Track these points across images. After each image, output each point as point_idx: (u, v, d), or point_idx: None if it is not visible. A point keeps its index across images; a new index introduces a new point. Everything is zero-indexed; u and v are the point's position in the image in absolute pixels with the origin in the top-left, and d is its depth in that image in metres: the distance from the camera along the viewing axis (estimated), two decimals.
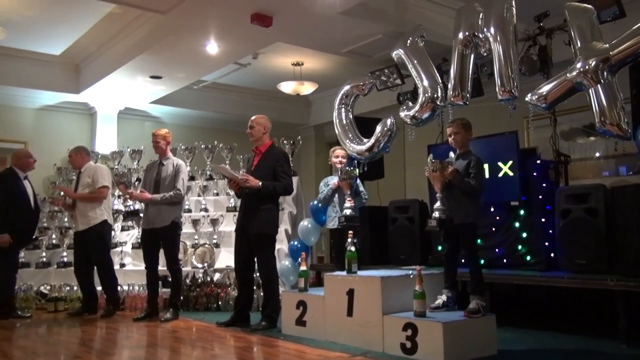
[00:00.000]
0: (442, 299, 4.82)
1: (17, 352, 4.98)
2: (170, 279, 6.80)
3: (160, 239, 6.64)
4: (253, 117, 6.34)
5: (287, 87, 9.08)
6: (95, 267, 7.13)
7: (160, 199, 6.56)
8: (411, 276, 4.80)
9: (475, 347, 4.45)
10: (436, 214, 4.88)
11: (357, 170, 6.08)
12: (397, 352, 4.52)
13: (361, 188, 6.26)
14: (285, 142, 8.49)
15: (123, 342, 5.64)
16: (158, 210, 6.59)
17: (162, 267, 6.82)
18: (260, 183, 5.89)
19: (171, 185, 6.67)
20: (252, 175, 5.98)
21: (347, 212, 5.86)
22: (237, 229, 6.23)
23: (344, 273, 5.26)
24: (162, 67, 8.26)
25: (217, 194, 8.75)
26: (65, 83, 9.35)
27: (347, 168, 6.12)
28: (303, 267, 5.82)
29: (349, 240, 5.33)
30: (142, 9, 6.89)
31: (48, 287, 7.91)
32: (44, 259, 8.33)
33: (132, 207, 6.61)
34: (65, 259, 8.20)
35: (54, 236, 8.59)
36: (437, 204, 4.91)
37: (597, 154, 8.09)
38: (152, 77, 8.65)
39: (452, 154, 5.09)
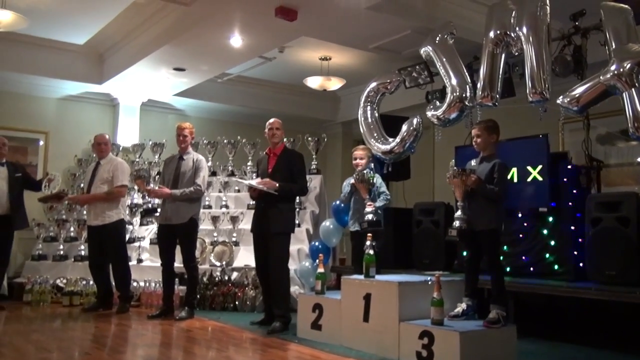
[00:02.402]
0: (462, 307, 4.83)
1: (29, 347, 5.10)
2: (186, 277, 6.88)
3: (177, 235, 6.73)
4: (273, 120, 6.50)
5: (314, 82, 9.11)
6: (110, 263, 7.25)
7: (180, 194, 6.63)
8: (430, 283, 4.82)
9: (493, 359, 4.46)
10: (457, 224, 4.88)
11: (373, 177, 6.07)
12: None
13: (383, 189, 6.26)
14: (309, 139, 8.53)
15: (135, 340, 5.74)
16: (176, 206, 6.66)
17: (178, 264, 6.91)
18: (277, 185, 6.06)
19: (191, 180, 6.74)
20: (270, 176, 6.16)
21: (369, 216, 5.86)
22: (254, 229, 6.34)
23: (362, 277, 5.29)
24: (186, 59, 8.34)
25: (239, 191, 8.82)
26: (88, 73, 9.48)
27: (365, 171, 6.12)
28: (320, 269, 5.86)
29: (368, 243, 5.36)
30: (165, 0, 6.97)
31: (64, 281, 8.06)
32: (61, 252, 8.52)
33: (150, 205, 6.69)
34: (83, 253, 8.36)
35: (72, 229, 8.76)
36: (458, 213, 4.91)
37: (639, 159, 7.96)
38: (176, 69, 8.75)
39: (473, 162, 5.07)
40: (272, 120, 6.50)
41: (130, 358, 4.97)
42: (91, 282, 7.69)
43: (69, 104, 9.97)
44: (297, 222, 7.32)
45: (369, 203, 5.93)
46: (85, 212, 8.81)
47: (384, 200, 6.15)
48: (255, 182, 6.23)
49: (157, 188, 6.83)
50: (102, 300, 7.28)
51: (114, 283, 7.32)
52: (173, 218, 6.66)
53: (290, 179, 6.20)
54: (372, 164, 6.40)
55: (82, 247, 8.42)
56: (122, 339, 5.75)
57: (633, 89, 4.66)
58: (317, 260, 6.02)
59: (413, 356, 4.54)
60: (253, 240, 6.40)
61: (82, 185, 8.58)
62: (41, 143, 9.63)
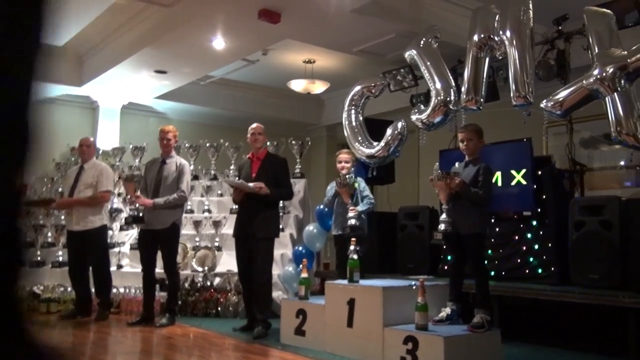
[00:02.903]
0: (446, 311, 4.87)
1: None
2: (167, 283, 6.88)
3: (158, 241, 6.72)
4: (255, 126, 6.51)
5: (298, 85, 9.17)
6: (90, 269, 7.20)
7: (164, 202, 6.62)
8: (414, 287, 4.87)
9: None
10: (442, 227, 4.92)
11: (356, 181, 6.12)
12: None
13: (367, 192, 6.31)
14: (293, 142, 8.57)
15: (115, 347, 5.73)
16: (158, 212, 6.64)
17: (159, 269, 6.91)
18: (268, 191, 6.10)
19: (173, 185, 6.73)
20: (254, 181, 6.16)
21: (352, 221, 5.91)
22: (236, 233, 6.37)
23: (346, 282, 5.33)
24: (168, 61, 8.37)
25: (222, 195, 8.83)
26: (67, 75, 9.45)
27: (347, 176, 6.17)
28: (304, 274, 5.89)
29: (352, 248, 5.39)
30: (145, 1, 6.99)
31: (41, 288, 7.95)
32: (39, 258, 8.41)
33: (136, 212, 6.61)
34: (61, 259, 8.30)
35: (49, 234, 8.68)
36: (443, 216, 4.95)
37: (622, 163, 8.07)
38: (157, 71, 8.78)
39: (457, 164, 5.11)
40: (254, 125, 6.52)
41: None
42: (69, 289, 7.63)
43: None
44: (281, 226, 7.35)
45: (351, 208, 5.97)
46: (63, 217, 8.79)
47: (368, 204, 6.19)
48: (251, 184, 6.20)
49: (143, 198, 6.73)
50: (80, 307, 7.19)
51: (93, 289, 7.26)
52: (155, 223, 6.65)
53: (275, 183, 6.22)
54: (355, 168, 6.44)
55: (60, 252, 8.36)
56: (102, 347, 5.72)
57: (615, 93, 4.77)
58: (301, 265, 6.06)
59: None
60: (235, 244, 6.43)
61: (60, 189, 8.52)
62: None
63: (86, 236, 7.09)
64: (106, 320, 6.95)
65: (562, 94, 5.19)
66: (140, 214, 6.62)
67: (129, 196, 6.78)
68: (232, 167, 8.94)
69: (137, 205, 6.66)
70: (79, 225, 7.12)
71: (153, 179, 6.81)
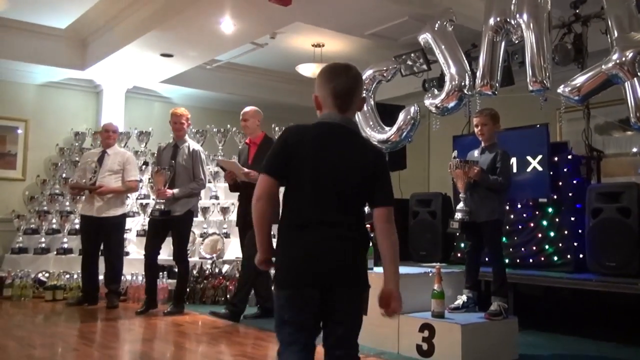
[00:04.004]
0: (462, 299, 4.95)
1: (12, 343, 5.14)
2: (177, 271, 6.94)
3: (171, 227, 6.74)
4: (245, 110, 6.51)
5: (307, 69, 9.18)
6: (103, 257, 7.25)
7: (183, 193, 6.65)
8: (430, 274, 4.94)
9: (495, 351, 4.59)
10: (458, 216, 4.97)
11: None
12: (412, 354, 4.68)
13: None
14: None
15: (124, 335, 5.81)
16: (173, 198, 6.66)
17: (168, 256, 6.97)
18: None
19: (187, 172, 6.74)
20: (250, 167, 6.12)
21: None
22: (239, 223, 6.46)
23: None
24: (174, 44, 8.36)
25: None
26: (70, 58, 9.46)
27: None
28: None
29: None
30: None
31: (46, 275, 8.05)
32: (43, 245, 8.47)
33: (163, 206, 6.51)
34: (66, 245, 8.37)
35: (54, 221, 8.72)
36: (460, 205, 4.99)
37: (635, 149, 8.11)
38: (163, 55, 8.77)
39: (475, 153, 5.14)
40: (244, 110, 6.53)
41: (120, 354, 5.03)
42: (75, 276, 7.73)
43: (50, 90, 9.96)
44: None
45: None
46: (68, 204, 8.86)
47: None
48: (245, 169, 6.17)
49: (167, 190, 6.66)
50: (88, 295, 7.26)
51: (102, 277, 7.30)
52: (170, 209, 6.65)
53: None
54: None
55: (65, 239, 8.43)
56: (111, 335, 5.79)
57: (635, 78, 4.80)
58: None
59: (413, 349, 4.67)
60: (239, 234, 6.51)
61: (77, 174, 8.25)
62: (20, 131, 9.59)
63: (106, 223, 7.12)
64: (117, 308, 7.03)
65: (580, 79, 5.23)
66: (167, 208, 6.61)
67: (157, 189, 6.69)
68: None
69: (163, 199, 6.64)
70: (101, 212, 7.13)
71: (167, 164, 6.80)
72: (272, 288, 2.77)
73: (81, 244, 7.45)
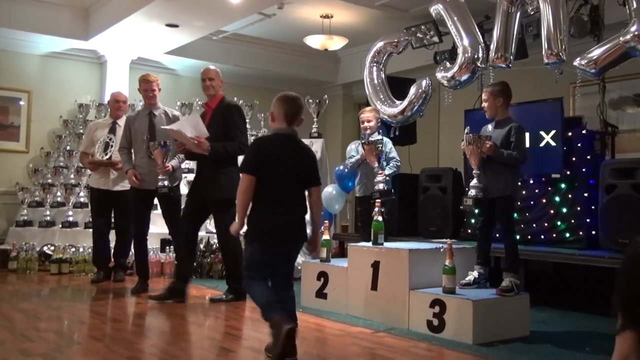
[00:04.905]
0: (473, 275, 4.97)
1: (19, 315, 5.19)
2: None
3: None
4: (207, 69, 6.13)
5: (315, 41, 9.14)
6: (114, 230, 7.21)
7: (177, 165, 6.39)
8: (441, 250, 4.95)
9: (506, 328, 4.62)
10: (472, 192, 4.96)
11: (381, 145, 5.99)
12: (423, 330, 4.71)
13: (393, 154, 6.30)
14: (310, 101, 8.60)
15: (133, 309, 5.85)
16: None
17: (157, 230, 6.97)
18: (208, 147, 5.71)
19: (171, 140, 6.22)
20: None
21: (380, 186, 5.90)
22: (190, 193, 6.13)
23: (370, 244, 5.41)
24: (180, 14, 8.32)
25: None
26: (73, 28, 9.41)
27: (375, 138, 6.13)
28: (326, 236, 5.97)
29: (376, 209, 5.44)
30: None
31: (52, 248, 8.11)
32: (48, 218, 8.53)
33: (166, 182, 6.26)
34: (71, 219, 8.42)
35: (58, 193, 8.77)
36: (474, 181, 4.98)
37: None
38: (168, 25, 8.73)
39: (489, 127, 5.12)
40: (206, 68, 6.15)
41: (129, 327, 5.08)
42: (81, 250, 7.76)
43: (52, 61, 9.94)
44: None
45: (380, 172, 5.95)
46: (72, 176, 8.87)
47: (395, 167, 6.22)
48: (189, 132, 5.69)
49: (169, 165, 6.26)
50: (106, 269, 7.17)
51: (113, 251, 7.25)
52: (153, 184, 6.29)
53: (225, 136, 5.81)
54: (380, 129, 6.43)
55: (70, 212, 8.47)
56: (118, 308, 5.85)
57: None
58: (322, 227, 6.11)
59: (424, 325, 4.70)
60: (186, 202, 6.17)
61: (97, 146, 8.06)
62: (22, 102, 9.58)
63: (120, 197, 7.04)
64: (123, 281, 7.07)
65: (597, 51, 5.22)
66: (169, 183, 6.26)
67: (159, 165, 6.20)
68: (247, 126, 8.93)
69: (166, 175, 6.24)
70: (116, 184, 7.07)
71: (145, 132, 6.41)
72: (246, 244, 4.11)
73: (92, 218, 7.40)
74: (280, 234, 3.91)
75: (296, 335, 3.70)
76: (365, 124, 6.32)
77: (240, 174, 4.02)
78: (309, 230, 4.19)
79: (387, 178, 6.00)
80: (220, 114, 5.92)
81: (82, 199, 8.51)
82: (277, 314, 3.71)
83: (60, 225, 8.46)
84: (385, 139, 6.27)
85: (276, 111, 4.01)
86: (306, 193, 4.09)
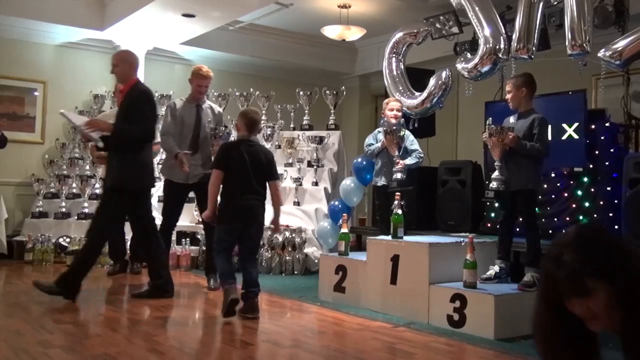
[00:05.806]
0: (494, 269, 4.96)
1: (37, 307, 5.21)
2: (198, 237, 6.91)
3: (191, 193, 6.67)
4: (116, 53, 6.11)
5: (332, 31, 9.12)
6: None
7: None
8: (462, 244, 4.94)
9: (527, 323, 4.59)
10: (494, 185, 4.96)
11: (403, 132, 6.07)
12: (443, 325, 4.71)
13: (415, 146, 6.30)
14: (327, 92, 8.60)
15: (149, 301, 5.74)
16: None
17: (188, 222, 6.94)
18: (99, 135, 5.62)
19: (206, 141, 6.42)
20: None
21: (398, 175, 5.91)
22: (113, 182, 5.79)
23: (389, 238, 5.41)
24: (196, 4, 8.32)
25: None
26: (88, 18, 9.42)
27: (397, 127, 6.15)
28: (344, 230, 5.97)
29: (396, 202, 5.43)
30: None
31: (67, 240, 8.18)
32: (64, 209, 8.58)
33: None
34: (87, 210, 8.44)
35: (74, 185, 8.80)
36: (496, 174, 4.98)
37: None
38: (185, 15, 8.73)
39: (511, 119, 5.11)
40: (115, 53, 6.09)
41: (146, 319, 5.10)
42: None
43: (67, 51, 9.97)
44: (157, 176, 6.94)
45: (398, 161, 5.98)
46: (88, 168, 8.91)
47: (417, 158, 6.22)
48: (80, 120, 5.74)
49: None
50: (123, 262, 7.21)
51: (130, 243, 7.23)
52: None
53: (130, 123, 5.59)
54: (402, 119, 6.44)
55: (86, 204, 8.51)
56: (135, 300, 5.81)
57: None
58: (341, 220, 6.12)
59: (444, 320, 4.70)
60: (108, 196, 5.85)
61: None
62: (36, 93, 9.61)
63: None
64: (139, 274, 7.12)
65: (622, 42, 5.18)
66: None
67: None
68: (263, 117, 8.93)
69: None
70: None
71: (191, 126, 6.41)
72: (216, 225, 5.06)
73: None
74: (239, 216, 4.97)
75: (238, 303, 4.80)
76: (396, 112, 6.29)
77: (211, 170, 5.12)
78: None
79: (406, 168, 6.01)
80: (127, 99, 5.71)
81: (97, 191, 8.53)
82: (227, 284, 4.88)
83: (76, 217, 8.50)
84: (406, 131, 6.27)
85: (239, 123, 5.16)
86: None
